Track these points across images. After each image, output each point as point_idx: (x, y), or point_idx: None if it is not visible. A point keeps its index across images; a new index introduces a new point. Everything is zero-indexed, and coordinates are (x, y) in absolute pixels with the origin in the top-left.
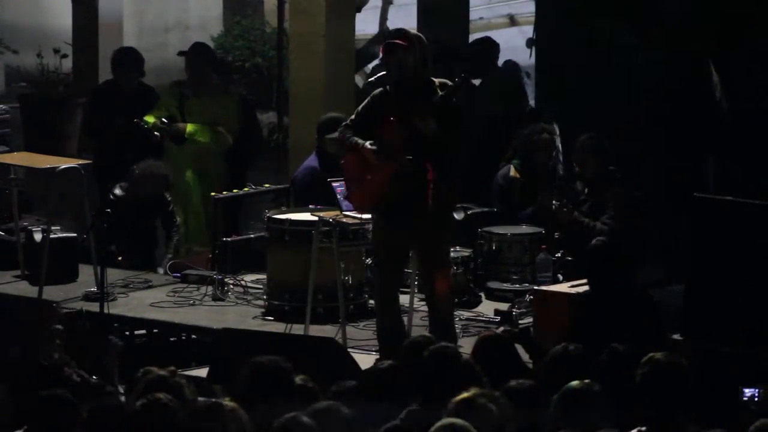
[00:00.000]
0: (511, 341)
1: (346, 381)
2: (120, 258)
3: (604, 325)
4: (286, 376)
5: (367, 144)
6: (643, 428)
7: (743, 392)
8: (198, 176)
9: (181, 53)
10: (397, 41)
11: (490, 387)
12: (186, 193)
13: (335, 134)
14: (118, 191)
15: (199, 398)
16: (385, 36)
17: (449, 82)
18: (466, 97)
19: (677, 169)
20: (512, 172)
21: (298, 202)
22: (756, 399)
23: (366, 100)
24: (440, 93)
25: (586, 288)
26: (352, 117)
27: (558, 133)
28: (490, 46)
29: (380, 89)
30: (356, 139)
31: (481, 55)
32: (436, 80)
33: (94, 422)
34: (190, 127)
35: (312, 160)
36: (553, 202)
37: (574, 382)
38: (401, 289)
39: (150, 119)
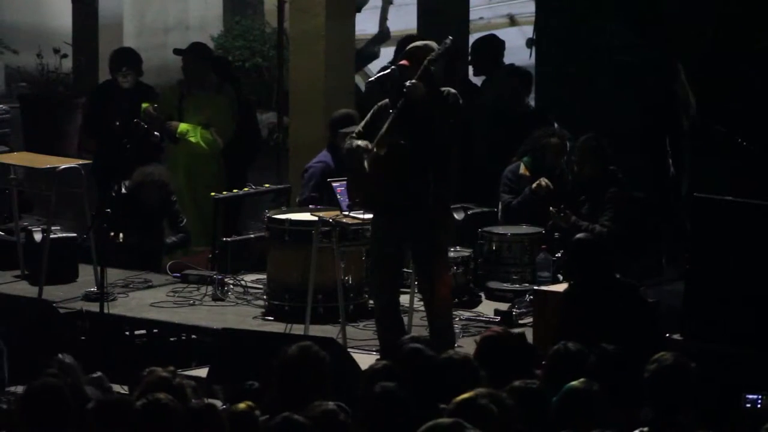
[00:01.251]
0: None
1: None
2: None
3: (589, 322)
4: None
5: (362, 143)
6: (645, 429)
7: (746, 398)
8: (191, 177)
9: (177, 52)
10: (403, 63)
11: (490, 386)
12: (183, 195)
13: (349, 129)
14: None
15: (193, 400)
16: (386, 37)
17: (452, 90)
18: (468, 95)
19: (674, 168)
20: (522, 169)
21: (305, 192)
22: (759, 405)
23: (370, 113)
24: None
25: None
26: (359, 129)
27: (569, 137)
28: (495, 44)
29: (385, 101)
30: (356, 142)
31: (485, 52)
32: (444, 90)
33: (101, 419)
34: (182, 127)
35: (325, 156)
36: (551, 208)
37: (575, 382)
38: (401, 289)
39: (145, 105)
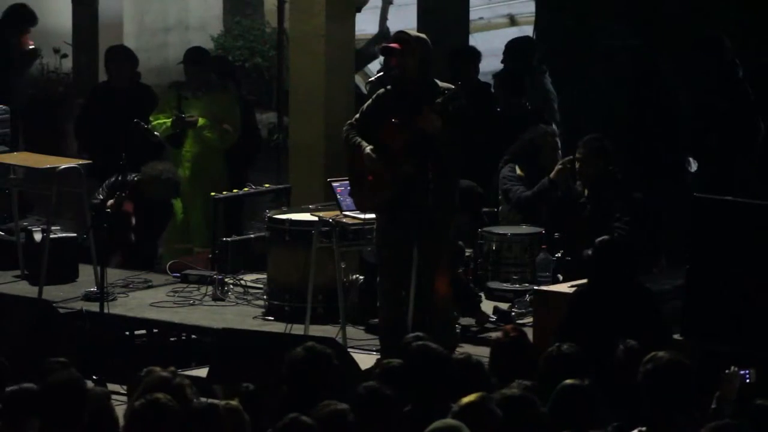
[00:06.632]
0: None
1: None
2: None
3: (603, 321)
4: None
5: (368, 149)
6: (644, 428)
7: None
8: (199, 176)
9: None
10: (392, 45)
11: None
12: (187, 194)
13: None
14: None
15: (196, 399)
16: (386, 38)
17: (452, 86)
18: (478, 96)
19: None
20: (518, 171)
21: None
22: (747, 380)
23: (369, 100)
24: (438, 100)
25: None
26: (357, 116)
27: (557, 134)
28: (526, 46)
29: (383, 89)
30: (359, 139)
31: (517, 55)
32: (441, 84)
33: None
34: (201, 121)
35: None
36: (559, 164)
37: (568, 380)
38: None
39: (158, 121)
